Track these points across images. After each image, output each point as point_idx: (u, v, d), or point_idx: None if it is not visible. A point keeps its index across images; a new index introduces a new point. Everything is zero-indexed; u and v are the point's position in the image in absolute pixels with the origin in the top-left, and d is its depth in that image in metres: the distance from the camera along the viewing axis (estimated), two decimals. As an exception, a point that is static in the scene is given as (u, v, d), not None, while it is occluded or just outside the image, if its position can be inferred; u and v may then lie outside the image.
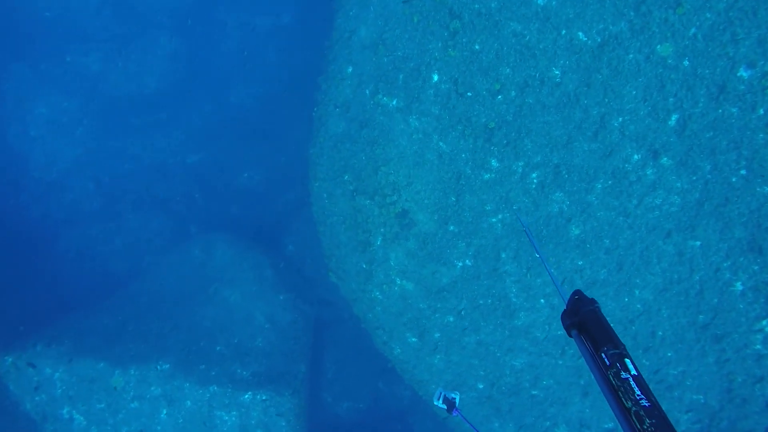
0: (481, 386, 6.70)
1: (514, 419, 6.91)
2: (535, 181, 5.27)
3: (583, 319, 1.21)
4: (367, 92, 5.84)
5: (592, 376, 1.14)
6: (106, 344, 7.13)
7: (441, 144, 5.41)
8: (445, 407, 2.26)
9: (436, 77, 5.40)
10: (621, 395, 1.01)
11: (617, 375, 1.04)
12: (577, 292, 1.37)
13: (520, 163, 5.23)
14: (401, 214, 5.74)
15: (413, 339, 6.44)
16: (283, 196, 11.32)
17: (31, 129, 11.11)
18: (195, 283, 8.82)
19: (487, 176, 5.34)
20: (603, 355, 1.09)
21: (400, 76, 5.61)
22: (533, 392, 6.68)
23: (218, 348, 7.49)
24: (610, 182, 5.17)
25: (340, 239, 6.48)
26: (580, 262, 5.60)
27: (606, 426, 6.75)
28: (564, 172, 5.18)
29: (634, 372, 1.03)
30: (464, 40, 5.21)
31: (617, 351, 1.08)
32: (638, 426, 0.96)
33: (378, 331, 6.57)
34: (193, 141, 11.77)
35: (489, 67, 5.16)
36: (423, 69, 5.43)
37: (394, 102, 5.57)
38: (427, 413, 9.56)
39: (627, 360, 1.07)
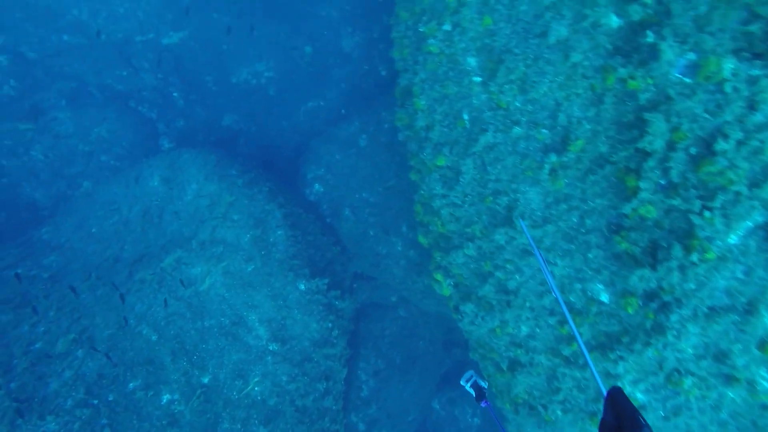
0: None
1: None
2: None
3: None
4: None
5: None
6: None
7: None
8: (474, 393, 1.86)
9: None
10: None
11: None
12: (614, 397, 1.28)
13: None
14: None
15: None
16: (306, 104, 7.07)
17: None
18: (138, 244, 4.79)
19: None
20: None
21: None
22: None
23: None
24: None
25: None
26: None
27: None
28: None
29: None
30: None
31: None
32: None
33: None
34: (173, 10, 7.44)
35: None
36: None
37: None
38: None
39: None
